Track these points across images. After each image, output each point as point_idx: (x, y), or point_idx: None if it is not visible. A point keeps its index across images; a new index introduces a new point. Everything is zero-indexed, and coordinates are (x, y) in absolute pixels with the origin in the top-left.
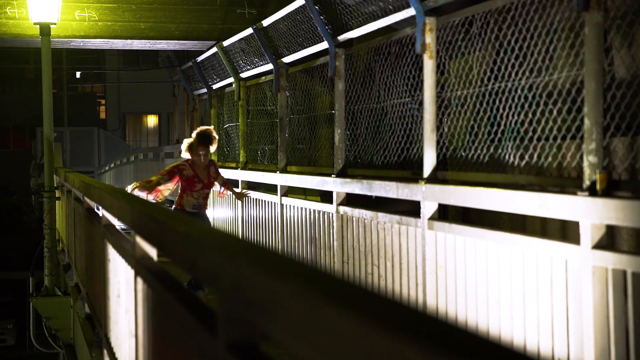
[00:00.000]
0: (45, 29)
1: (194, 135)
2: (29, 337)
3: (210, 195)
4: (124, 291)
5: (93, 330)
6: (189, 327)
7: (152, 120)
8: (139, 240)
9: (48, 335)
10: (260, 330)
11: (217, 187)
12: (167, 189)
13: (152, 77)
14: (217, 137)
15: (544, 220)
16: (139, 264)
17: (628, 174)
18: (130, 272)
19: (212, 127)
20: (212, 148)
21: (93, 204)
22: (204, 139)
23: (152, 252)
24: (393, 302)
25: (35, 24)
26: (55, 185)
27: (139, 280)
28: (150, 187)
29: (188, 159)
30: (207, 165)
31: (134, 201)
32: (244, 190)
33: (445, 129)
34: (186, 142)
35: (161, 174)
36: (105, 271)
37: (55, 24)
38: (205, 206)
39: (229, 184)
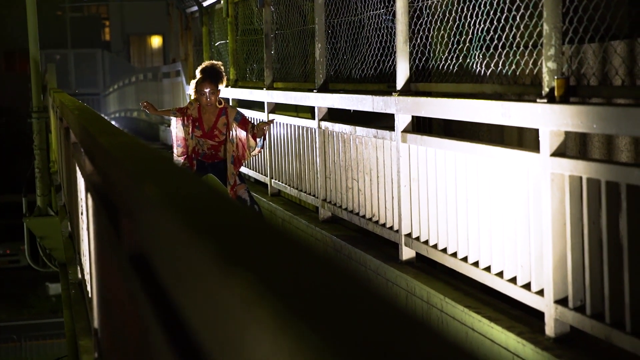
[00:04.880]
0: None
1: (197, 71)
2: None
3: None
4: (84, 208)
5: (74, 248)
6: (113, 240)
7: (156, 41)
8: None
9: (43, 254)
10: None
11: (234, 144)
12: (188, 135)
13: None
14: (224, 73)
15: (521, 131)
16: (88, 180)
17: (586, 79)
18: (85, 189)
19: (219, 63)
20: (221, 86)
21: None
22: (209, 74)
23: None
24: (230, 211)
25: None
26: (44, 107)
27: (89, 197)
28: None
29: (196, 99)
30: (217, 112)
31: (81, 117)
32: (265, 122)
33: (418, 40)
34: (192, 83)
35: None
36: (76, 189)
37: None
38: (216, 157)
39: (257, 140)
